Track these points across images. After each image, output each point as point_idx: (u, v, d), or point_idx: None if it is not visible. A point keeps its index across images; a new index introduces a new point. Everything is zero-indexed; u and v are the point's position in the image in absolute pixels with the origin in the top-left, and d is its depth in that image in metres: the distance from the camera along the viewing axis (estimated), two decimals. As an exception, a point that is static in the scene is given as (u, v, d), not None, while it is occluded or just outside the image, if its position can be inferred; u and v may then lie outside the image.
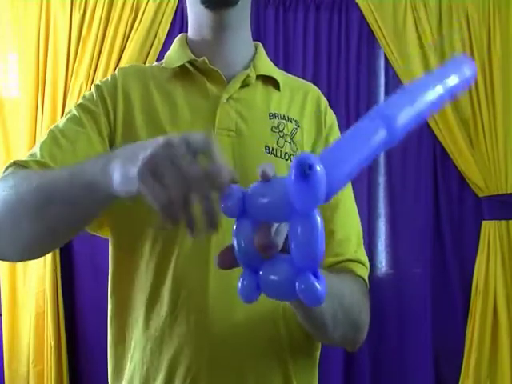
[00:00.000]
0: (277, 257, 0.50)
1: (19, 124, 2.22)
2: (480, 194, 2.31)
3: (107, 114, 0.81)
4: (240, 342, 0.75)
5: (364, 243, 0.88)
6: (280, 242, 0.50)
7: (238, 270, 0.53)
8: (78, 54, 2.25)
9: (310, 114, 0.88)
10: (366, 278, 0.84)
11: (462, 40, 2.31)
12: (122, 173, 0.54)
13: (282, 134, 0.83)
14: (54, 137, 0.78)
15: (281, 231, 0.50)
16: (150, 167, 0.49)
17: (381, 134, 0.51)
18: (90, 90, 0.85)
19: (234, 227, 0.50)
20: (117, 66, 2.25)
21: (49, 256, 2.14)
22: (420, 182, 2.36)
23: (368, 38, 2.39)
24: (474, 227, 2.32)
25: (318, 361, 0.86)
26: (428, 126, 2.33)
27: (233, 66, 0.86)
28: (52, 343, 2.14)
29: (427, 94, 0.55)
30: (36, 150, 0.77)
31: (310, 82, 0.96)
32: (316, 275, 0.48)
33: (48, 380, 2.17)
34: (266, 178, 0.48)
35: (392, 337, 2.34)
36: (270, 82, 0.88)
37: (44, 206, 0.64)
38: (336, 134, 0.90)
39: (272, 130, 0.82)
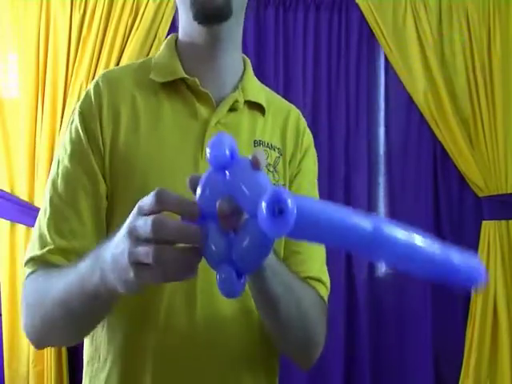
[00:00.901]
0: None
1: (19, 124, 2.22)
2: (480, 194, 2.31)
3: (98, 151, 0.79)
4: (221, 354, 0.78)
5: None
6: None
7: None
8: (78, 53, 2.24)
9: (291, 139, 0.90)
10: (326, 299, 0.86)
11: (462, 40, 2.31)
12: (120, 283, 0.56)
13: (265, 163, 0.83)
14: (55, 208, 0.78)
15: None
16: (136, 266, 0.53)
17: (366, 227, 0.47)
18: (73, 118, 0.81)
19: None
20: (117, 65, 2.25)
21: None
22: (420, 182, 2.36)
23: (368, 38, 2.38)
24: (473, 227, 2.32)
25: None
26: (428, 126, 2.33)
27: (223, 87, 0.85)
28: (52, 343, 2.14)
29: (426, 247, 0.51)
30: (43, 229, 0.78)
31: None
32: (240, 275, 0.51)
33: (48, 380, 2.17)
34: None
35: (392, 337, 2.34)
36: (256, 106, 0.87)
37: (68, 319, 0.70)
38: (310, 157, 0.92)
39: None
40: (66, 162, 0.80)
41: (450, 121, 2.28)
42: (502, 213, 2.28)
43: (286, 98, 0.97)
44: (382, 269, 2.40)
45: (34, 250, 0.78)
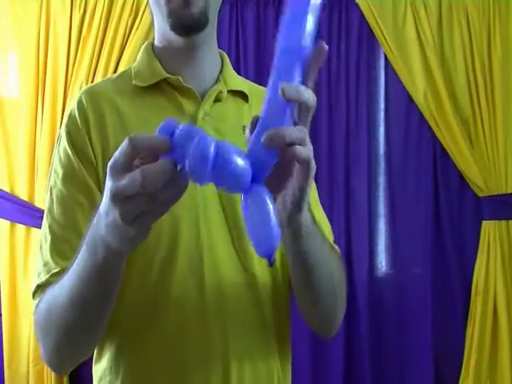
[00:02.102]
0: None
1: (19, 124, 2.22)
2: (480, 194, 2.31)
3: (91, 166, 0.79)
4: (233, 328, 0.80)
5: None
6: None
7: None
8: (78, 53, 2.25)
9: None
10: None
11: (462, 40, 2.31)
12: (123, 243, 0.56)
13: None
14: (55, 234, 0.78)
15: None
16: (134, 222, 0.52)
17: None
18: (60, 141, 0.82)
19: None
20: (117, 65, 2.26)
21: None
22: (420, 182, 2.36)
23: (368, 38, 2.38)
24: (473, 227, 2.32)
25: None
26: (428, 126, 2.33)
27: (204, 81, 0.86)
28: (52, 343, 2.14)
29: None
30: (46, 256, 0.77)
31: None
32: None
33: (48, 380, 2.17)
34: None
35: (392, 337, 2.34)
36: (239, 94, 0.89)
37: (83, 315, 0.69)
38: None
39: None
40: (59, 185, 0.79)
41: (450, 121, 2.28)
42: (502, 213, 2.28)
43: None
44: (382, 269, 2.41)
45: (41, 278, 0.77)
